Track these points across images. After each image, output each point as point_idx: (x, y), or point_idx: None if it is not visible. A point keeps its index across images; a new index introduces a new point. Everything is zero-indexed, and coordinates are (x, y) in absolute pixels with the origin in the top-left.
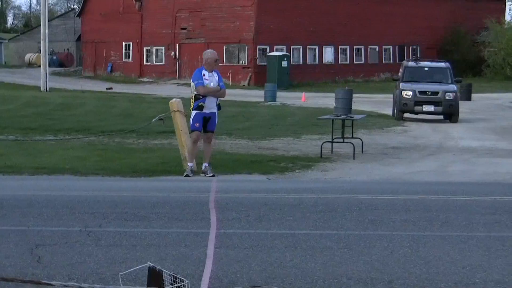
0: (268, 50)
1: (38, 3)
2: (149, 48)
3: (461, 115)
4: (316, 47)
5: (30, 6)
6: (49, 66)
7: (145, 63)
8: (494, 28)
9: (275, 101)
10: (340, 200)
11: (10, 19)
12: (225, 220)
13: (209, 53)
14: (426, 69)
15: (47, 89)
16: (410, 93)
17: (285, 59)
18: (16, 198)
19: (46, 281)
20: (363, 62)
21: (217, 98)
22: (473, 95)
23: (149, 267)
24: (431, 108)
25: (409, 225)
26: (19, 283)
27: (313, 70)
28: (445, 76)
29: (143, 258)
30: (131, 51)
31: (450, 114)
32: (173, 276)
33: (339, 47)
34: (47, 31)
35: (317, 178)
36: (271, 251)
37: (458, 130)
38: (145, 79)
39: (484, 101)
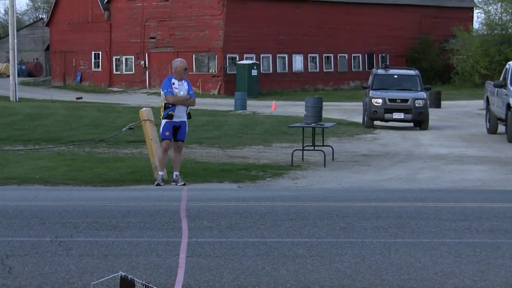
0: (237, 59)
1: (6, 12)
2: (118, 57)
3: (430, 123)
4: (286, 56)
5: None
6: (18, 76)
7: (114, 72)
8: (461, 36)
9: (245, 109)
10: (311, 208)
11: None
12: (197, 229)
13: (178, 62)
14: (395, 76)
15: (16, 99)
16: (380, 100)
17: (254, 67)
18: None
19: None
20: (332, 70)
21: (187, 107)
22: (442, 103)
23: (121, 276)
24: (401, 115)
25: (380, 232)
26: None
27: (283, 78)
28: (415, 83)
29: (114, 268)
30: (100, 61)
31: (420, 122)
32: (145, 285)
33: (308, 55)
34: (15, 40)
35: (288, 186)
36: (242, 260)
37: (427, 137)
38: (114, 89)
39: (453, 109)
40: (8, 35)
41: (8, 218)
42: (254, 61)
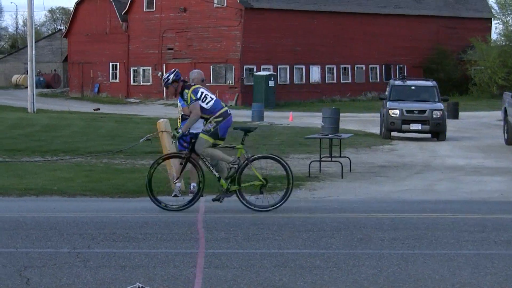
0: (254, 70)
1: (24, 24)
2: (135, 68)
3: (448, 134)
4: (303, 67)
5: (16, 27)
6: (36, 87)
7: (132, 83)
8: (479, 47)
9: (262, 120)
10: (329, 219)
11: None
12: (214, 240)
13: (195, 73)
14: (413, 88)
15: (34, 110)
16: (397, 112)
17: (271, 78)
18: (3, 220)
19: None
20: (349, 81)
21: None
22: (460, 114)
23: (139, 287)
24: (418, 126)
25: (398, 243)
26: None
27: (300, 89)
28: (432, 94)
29: (132, 279)
30: (117, 72)
31: (437, 133)
32: None
33: (326, 66)
34: (34, 52)
35: (305, 197)
36: (260, 271)
37: (445, 148)
38: (132, 100)
39: (471, 120)
40: (26, 46)
41: (26, 230)
42: (271, 72)
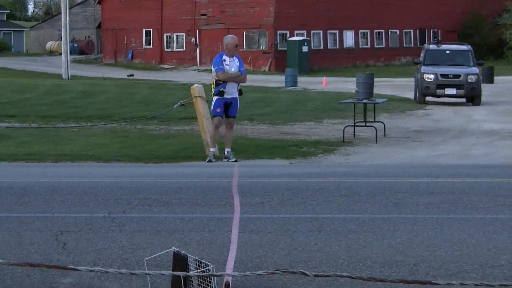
0: (288, 35)
1: None
2: (169, 34)
3: (483, 98)
4: (336, 32)
5: None
6: (70, 54)
7: (165, 49)
8: None
9: (296, 86)
10: (363, 183)
11: (30, 8)
12: (248, 205)
13: (229, 38)
14: (447, 52)
15: (69, 76)
16: (432, 76)
17: (305, 44)
18: (39, 185)
19: (72, 266)
20: (383, 46)
21: (238, 84)
22: (495, 78)
23: (174, 252)
24: (453, 91)
25: (433, 208)
26: (45, 268)
27: (334, 54)
28: (467, 59)
29: (167, 244)
30: (151, 38)
31: (472, 97)
32: (198, 260)
33: (359, 31)
34: (67, 18)
35: (339, 162)
36: (295, 235)
37: (480, 113)
38: (165, 66)
39: (506, 84)
40: (60, 13)
41: (62, 195)
42: (304, 38)
